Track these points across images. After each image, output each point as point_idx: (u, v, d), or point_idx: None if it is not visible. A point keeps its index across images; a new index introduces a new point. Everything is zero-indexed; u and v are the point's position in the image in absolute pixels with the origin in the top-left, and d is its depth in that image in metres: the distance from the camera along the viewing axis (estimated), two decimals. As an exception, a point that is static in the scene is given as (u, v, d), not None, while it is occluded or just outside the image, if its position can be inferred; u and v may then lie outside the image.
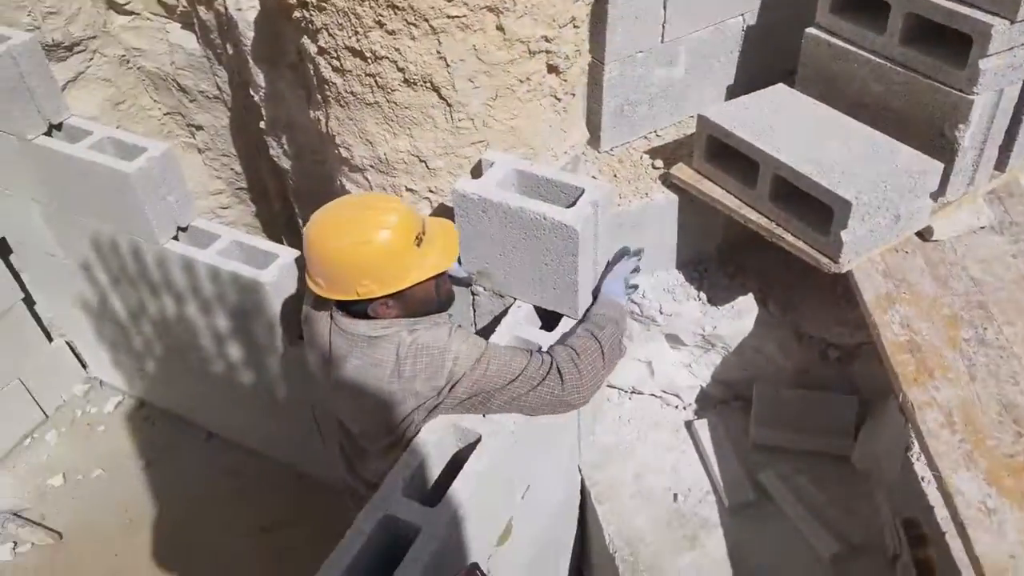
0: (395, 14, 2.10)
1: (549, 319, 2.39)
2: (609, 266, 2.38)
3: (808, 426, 2.82)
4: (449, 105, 2.29)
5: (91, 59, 3.47)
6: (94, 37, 3.43)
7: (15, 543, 3.74)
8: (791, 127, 2.49)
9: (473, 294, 2.51)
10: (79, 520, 3.85)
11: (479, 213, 2.25)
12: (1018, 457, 1.98)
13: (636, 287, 2.39)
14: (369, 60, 2.22)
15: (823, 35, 2.64)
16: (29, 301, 4.01)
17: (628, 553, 2.67)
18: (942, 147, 2.43)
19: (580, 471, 2.90)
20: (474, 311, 2.57)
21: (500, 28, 2.18)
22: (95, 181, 3.02)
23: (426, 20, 2.11)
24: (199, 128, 3.78)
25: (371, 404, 2.00)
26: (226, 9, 2.83)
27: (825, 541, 2.56)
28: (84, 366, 4.34)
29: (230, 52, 3.15)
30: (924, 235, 2.52)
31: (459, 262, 2.43)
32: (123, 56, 3.52)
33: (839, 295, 2.80)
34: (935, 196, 2.45)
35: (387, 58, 2.20)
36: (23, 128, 3.04)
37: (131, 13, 3.44)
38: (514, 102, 2.35)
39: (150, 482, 4.00)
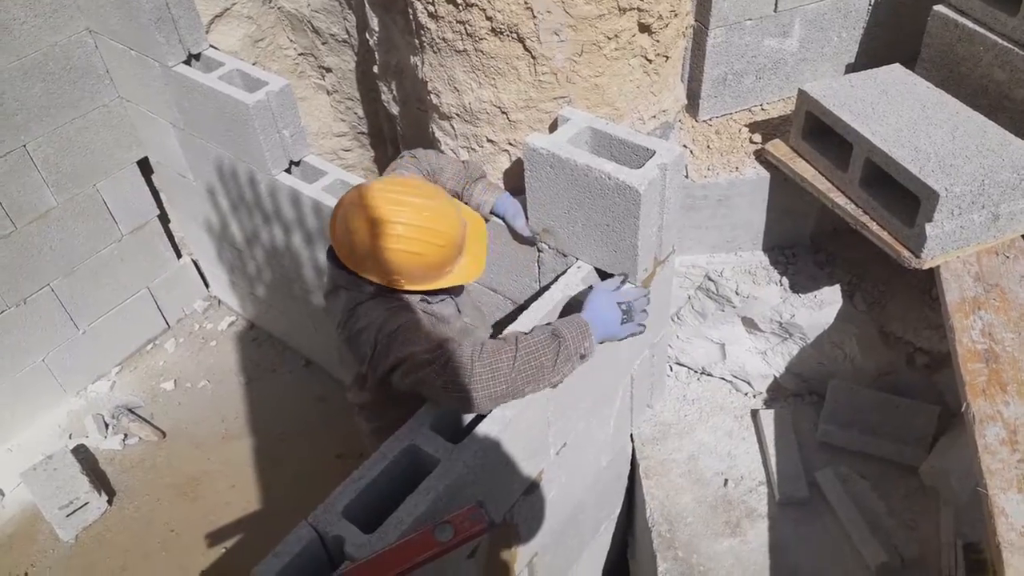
0: (486, -39, 2.14)
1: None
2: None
3: (880, 430, 2.67)
4: (533, 57, 2.31)
5: (237, -3, 3.71)
6: (242, -25, 3.66)
7: (126, 435, 4.15)
8: (896, 110, 2.35)
9: (538, 251, 2.53)
10: (182, 423, 4.22)
11: (547, 169, 2.27)
12: (1083, 487, 1.81)
13: (629, 315, 2.08)
14: (460, 7, 2.27)
15: (951, 13, 2.46)
16: (164, 219, 4.39)
17: (666, 529, 2.65)
18: (1063, 146, 2.21)
19: (632, 442, 2.89)
20: (539, 268, 2.59)
21: (590, -19, 2.17)
22: (221, 109, 3.26)
23: (516, -31, 2.14)
24: (328, 70, 3.97)
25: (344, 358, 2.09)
26: (350, -46, 2.96)
27: (873, 549, 2.43)
28: (206, 285, 4.70)
29: (356, -2, 3.29)
30: (1032, 240, 2.31)
31: (526, 219, 2.46)
32: (266, -6, 3.74)
33: (933, 298, 2.62)
34: (1048, 199, 2.23)
35: (477, 5, 2.24)
36: (165, 55, 3.31)
37: (277, -45, 3.65)
38: (600, 59, 2.33)
39: (248, 398, 4.32)
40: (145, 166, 4.13)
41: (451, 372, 1.84)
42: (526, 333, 1.95)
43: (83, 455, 4.01)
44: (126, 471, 4.04)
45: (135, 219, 4.19)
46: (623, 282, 2.17)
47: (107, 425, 4.19)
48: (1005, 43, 2.31)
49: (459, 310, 2.23)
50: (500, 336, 1.98)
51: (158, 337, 4.59)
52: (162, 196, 4.30)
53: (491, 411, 1.99)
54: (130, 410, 4.25)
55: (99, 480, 3.91)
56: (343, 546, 1.81)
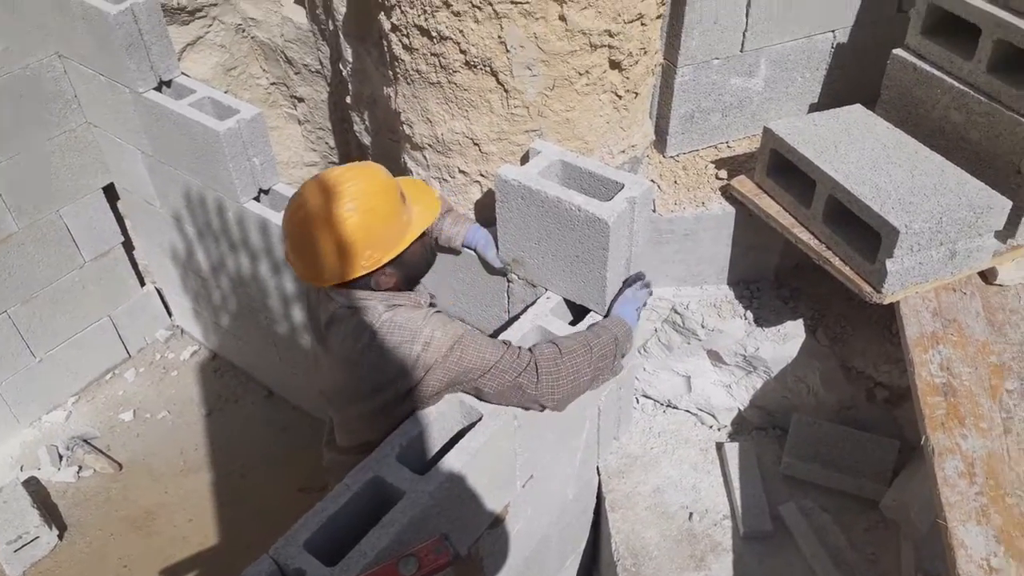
0: (461, -5, 2.18)
1: (579, 313, 2.40)
2: (625, 285, 2.32)
3: (842, 464, 2.70)
4: (506, 91, 2.35)
5: (210, 25, 3.72)
6: (215, 4, 3.68)
7: (80, 467, 4.04)
8: (858, 149, 2.42)
9: (508, 282, 2.55)
10: (140, 454, 4.12)
11: (518, 200, 2.29)
12: (1041, 518, 1.84)
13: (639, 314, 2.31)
14: (435, 39, 2.31)
15: (910, 57, 2.56)
16: (129, 246, 4.33)
17: (631, 563, 2.64)
18: (1017, 185, 2.31)
19: (599, 474, 2.88)
20: (508, 299, 2.60)
21: (562, 18, 2.22)
22: (191, 136, 3.25)
23: (490, 4, 2.18)
24: (301, 100, 3.98)
25: (345, 372, 1.98)
26: (325, -14, 2.99)
27: (838, 584, 2.45)
28: (169, 313, 4.63)
29: (331, 28, 3.32)
30: (987, 277, 2.39)
31: (496, 250, 2.48)
32: (240, 25, 3.76)
33: (894, 333, 2.68)
34: (1003, 237, 2.32)
35: (451, 39, 2.28)
36: (136, 82, 3.30)
37: (252, -17, 3.67)
38: (571, 94, 2.38)
39: (209, 429, 4.24)
40: (111, 192, 4.08)
41: (544, 373, 1.97)
42: (589, 333, 2.12)
43: (34, 487, 3.89)
44: (79, 504, 3.92)
45: (98, 246, 4.13)
46: (640, 286, 2.29)
47: (61, 457, 4.08)
48: (961, 86, 2.41)
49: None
50: (565, 336, 2.12)
51: (118, 366, 4.50)
52: (127, 223, 4.25)
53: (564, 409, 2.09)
54: (86, 441, 4.14)
55: (50, 513, 3.79)
56: (303, 580, 1.77)
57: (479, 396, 2.04)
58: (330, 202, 1.85)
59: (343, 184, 1.88)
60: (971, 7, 2.34)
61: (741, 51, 2.74)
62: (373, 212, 1.87)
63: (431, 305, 2.07)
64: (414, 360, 1.90)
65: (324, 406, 2.32)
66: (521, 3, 2.18)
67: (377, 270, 1.91)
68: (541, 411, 2.06)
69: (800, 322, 2.77)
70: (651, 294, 2.35)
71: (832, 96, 2.93)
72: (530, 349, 2.02)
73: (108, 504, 3.91)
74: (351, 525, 1.92)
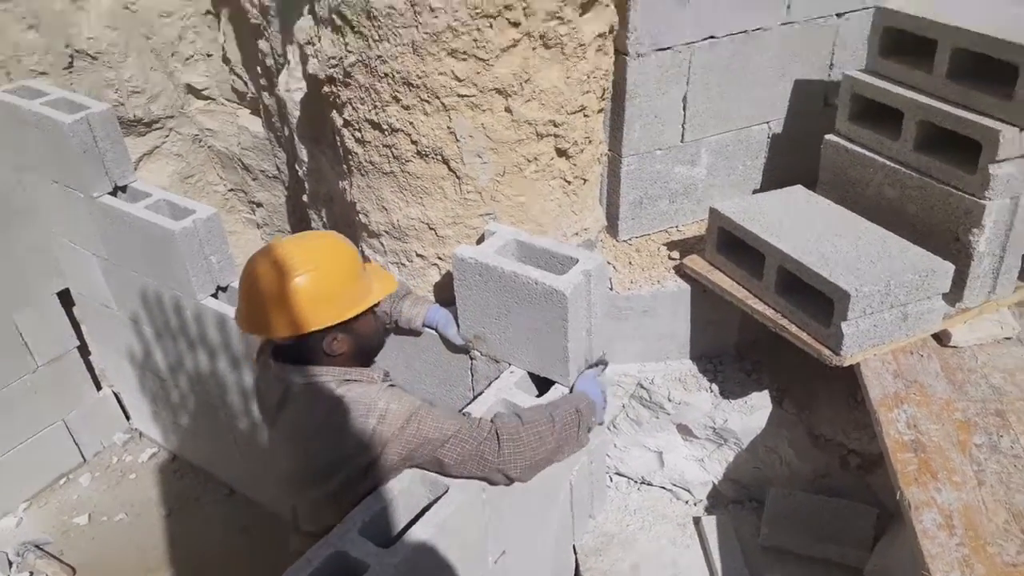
0: (410, 90, 2.24)
1: (544, 387, 2.39)
2: (588, 366, 2.35)
3: (822, 533, 2.67)
4: (458, 178, 2.39)
5: (167, 136, 3.77)
6: (172, 117, 3.74)
7: (31, 573, 3.84)
8: (803, 224, 2.49)
9: (471, 359, 2.54)
10: (95, 559, 3.93)
11: (476, 277, 2.30)
12: (1021, 567, 1.84)
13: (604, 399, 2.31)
14: (386, 132, 2.36)
15: (841, 141, 2.67)
16: (84, 351, 4.24)
17: (614, 648, 2.55)
18: (958, 252, 2.38)
19: (576, 554, 2.81)
20: (472, 376, 2.59)
21: (508, 110, 2.29)
22: (147, 237, 3.23)
23: (438, 97, 2.24)
24: (259, 205, 4.02)
25: (299, 453, 1.95)
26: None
27: (823, 658, 2.39)
28: (127, 417, 4.51)
29: (286, 134, 3.38)
30: (942, 339, 2.43)
31: (457, 327, 2.47)
32: (196, 135, 3.81)
33: (859, 400, 2.70)
34: (951, 300, 2.38)
35: (402, 131, 2.33)
36: (91, 186, 3.30)
37: (208, 98, 3.75)
38: (521, 180, 2.43)
39: (168, 531, 4.07)
40: (66, 296, 4.02)
41: (506, 442, 1.93)
42: (549, 405, 2.10)
43: (-18, 598, 3.70)
44: (28, 612, 3.72)
45: (52, 350, 4.03)
46: (603, 370, 2.28)
47: (11, 564, 3.88)
48: (893, 164, 2.51)
49: None
50: (527, 408, 2.12)
51: (72, 471, 4.33)
52: (83, 327, 4.17)
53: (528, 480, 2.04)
54: (37, 546, 3.95)
55: (0, 624, 3.59)
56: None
57: (441, 470, 1.98)
58: (292, 254, 1.87)
59: (307, 240, 1.97)
60: (893, 95, 2.47)
61: (682, 142, 2.84)
62: (334, 269, 1.89)
63: (386, 379, 2.04)
64: (370, 434, 1.86)
65: (285, 493, 2.24)
66: (468, 96, 2.24)
67: (329, 333, 1.89)
68: (508, 483, 2.01)
69: (766, 393, 2.78)
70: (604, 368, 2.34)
71: (773, 182, 3.03)
72: (491, 420, 1.99)
73: (62, 612, 3.73)
74: None
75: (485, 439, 1.93)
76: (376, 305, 2.03)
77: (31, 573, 3.84)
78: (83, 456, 4.36)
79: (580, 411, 2.11)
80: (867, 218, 2.53)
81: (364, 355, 2.03)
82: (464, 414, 2.03)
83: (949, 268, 2.26)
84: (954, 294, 2.37)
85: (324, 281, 1.87)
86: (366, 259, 2.78)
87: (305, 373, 1.91)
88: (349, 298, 1.92)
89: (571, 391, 2.29)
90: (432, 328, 2.53)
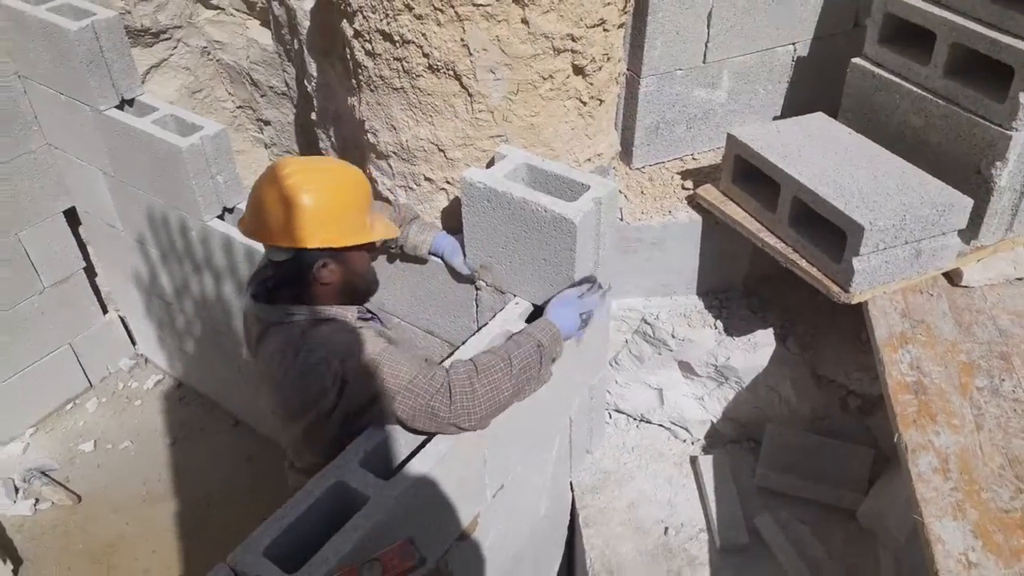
0: (424, -1, 2.18)
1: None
2: (569, 286, 2.24)
3: (818, 475, 2.66)
4: (470, 95, 2.34)
5: (175, 47, 3.71)
6: (180, 27, 3.67)
7: (37, 500, 3.89)
8: (821, 153, 2.43)
9: (476, 289, 2.51)
10: (100, 486, 3.98)
11: (484, 203, 2.27)
12: (1014, 514, 1.81)
13: (586, 322, 2.17)
14: (397, 44, 2.30)
15: (868, 65, 2.59)
16: (91, 272, 4.23)
17: (607, 579, 2.56)
18: (978, 186, 2.32)
19: (572, 490, 2.82)
20: (476, 307, 2.56)
21: (524, 21, 2.22)
22: (153, 154, 3.20)
23: (452, 6, 2.17)
24: (267, 123, 3.97)
25: (274, 390, 1.97)
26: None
27: (816, 594, 2.39)
28: (133, 342, 4.52)
29: (296, 47, 3.31)
30: (953, 279, 2.39)
31: (464, 256, 2.44)
32: (204, 48, 3.75)
33: (863, 341, 2.66)
34: (967, 238, 2.33)
35: (413, 42, 2.27)
36: (97, 99, 3.25)
37: (217, 7, 3.67)
38: (535, 99, 2.37)
39: (173, 460, 4.11)
40: (73, 217, 4.00)
41: (458, 395, 1.87)
42: (510, 344, 1.99)
43: (-11, 520, 3.75)
44: (35, 538, 3.76)
45: (59, 271, 4.03)
46: (589, 289, 2.17)
47: (17, 489, 3.92)
48: (919, 91, 2.44)
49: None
50: (483, 352, 2.01)
51: (79, 396, 4.37)
52: (89, 248, 4.16)
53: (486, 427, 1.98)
54: (43, 473, 3.99)
55: (5, 548, 3.63)
56: (263, 588, 1.68)
57: (401, 424, 1.94)
58: (307, 172, 1.89)
59: (325, 163, 1.99)
60: (927, 14, 2.38)
61: (704, 62, 2.76)
62: (343, 194, 1.91)
63: (362, 318, 2.02)
64: (333, 376, 1.85)
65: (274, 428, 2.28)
66: (483, 5, 2.18)
67: (322, 257, 1.89)
68: (456, 433, 1.95)
69: (770, 331, 2.75)
70: (602, 300, 2.22)
71: (795, 108, 2.95)
72: (447, 369, 1.92)
73: (66, 537, 3.76)
74: (314, 532, 1.84)
75: (437, 392, 1.86)
76: (374, 247, 2.04)
77: (37, 499, 3.90)
78: (89, 381, 4.39)
79: (542, 345, 1.99)
80: (888, 148, 2.46)
81: (351, 293, 2.01)
82: (425, 360, 1.96)
83: (968, 203, 2.21)
84: (970, 231, 2.32)
85: (331, 203, 1.89)
86: (377, 196, 2.74)
87: (281, 312, 1.93)
88: (351, 226, 1.93)
89: (547, 312, 2.17)
90: (438, 256, 2.50)
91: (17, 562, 3.62)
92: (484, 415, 1.92)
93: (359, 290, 2.05)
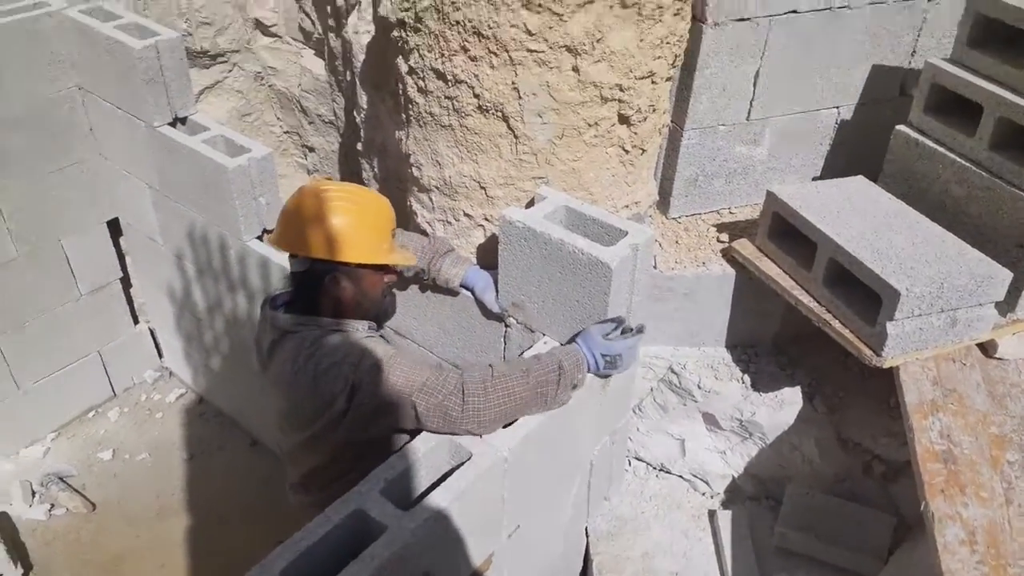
0: (479, 41, 2.24)
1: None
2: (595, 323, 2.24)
3: (837, 538, 2.62)
4: (516, 136, 2.39)
5: (230, 71, 3.82)
6: (237, 51, 3.79)
7: (52, 505, 3.91)
8: (859, 216, 2.45)
9: (505, 326, 2.53)
10: (115, 496, 3.99)
11: (521, 242, 2.30)
12: (1044, 590, 1.78)
13: (613, 363, 2.14)
14: (450, 83, 2.36)
15: (912, 133, 2.62)
16: (127, 283, 4.31)
17: (618, 629, 2.53)
18: (1018, 259, 2.32)
19: (587, 536, 2.79)
20: (504, 344, 2.58)
21: (575, 69, 2.28)
22: (200, 172, 3.28)
23: (506, 50, 2.24)
24: (312, 149, 4.05)
25: (283, 396, 2.03)
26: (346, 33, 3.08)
27: (830, 661, 2.34)
28: (160, 354, 4.57)
29: (348, 79, 3.41)
30: (987, 350, 2.38)
31: (496, 294, 2.47)
32: (259, 73, 3.86)
33: (892, 406, 2.65)
34: (1003, 310, 2.32)
35: (466, 82, 2.33)
36: (152, 116, 3.35)
37: (274, 35, 3.79)
38: (579, 144, 2.42)
39: (189, 475, 4.12)
40: (114, 227, 4.09)
41: (471, 397, 1.91)
42: (531, 359, 2.04)
43: (3, 523, 3.75)
44: (47, 544, 3.76)
45: (97, 279, 4.11)
46: (615, 329, 2.16)
47: (34, 493, 3.95)
48: (963, 162, 2.46)
49: None
50: (502, 361, 2.06)
51: (102, 405, 4.41)
52: (127, 259, 4.24)
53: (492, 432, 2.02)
54: (61, 479, 4.02)
55: (17, 551, 3.64)
56: (275, 613, 1.69)
57: (417, 423, 1.98)
58: (336, 192, 2.02)
59: (354, 187, 2.09)
60: (974, 87, 2.41)
61: (747, 119, 2.80)
62: (366, 217, 2.01)
63: (373, 332, 2.09)
64: (344, 381, 1.90)
65: (277, 439, 2.32)
66: (537, 51, 2.24)
67: (335, 271, 1.98)
68: (464, 435, 2.00)
69: (798, 389, 2.74)
70: (632, 345, 2.16)
71: (835, 171, 2.98)
72: (461, 372, 1.98)
73: (77, 545, 3.77)
74: (329, 559, 1.83)
75: (450, 393, 1.91)
76: (389, 273, 2.11)
77: (52, 505, 3.91)
78: (113, 390, 4.44)
79: (563, 368, 2.02)
80: (928, 217, 2.47)
81: (361, 311, 2.07)
82: (438, 366, 2.04)
83: (1007, 275, 2.21)
84: (1007, 303, 2.31)
85: (353, 221, 1.98)
86: (415, 229, 2.79)
87: (295, 320, 2.01)
88: (369, 247, 2.01)
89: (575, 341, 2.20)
90: (469, 290, 2.53)
91: (27, 567, 3.63)
92: (494, 419, 1.97)
93: (369, 312, 2.10)
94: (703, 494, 2.94)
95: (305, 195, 2.01)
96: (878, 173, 2.79)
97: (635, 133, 2.49)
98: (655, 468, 3.00)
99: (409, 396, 1.92)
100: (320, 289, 2.02)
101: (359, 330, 2.03)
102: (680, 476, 2.97)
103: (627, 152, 2.52)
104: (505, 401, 1.95)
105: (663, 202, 2.91)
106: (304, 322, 2.01)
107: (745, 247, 2.67)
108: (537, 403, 2.02)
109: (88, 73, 3.52)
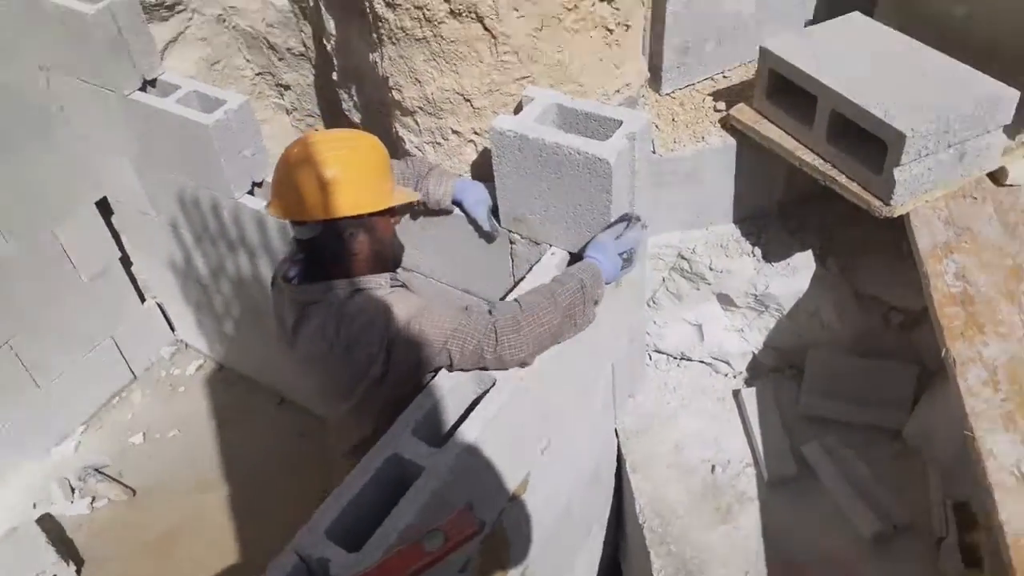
0: (441, -62, 2.16)
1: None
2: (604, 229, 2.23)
3: (862, 397, 2.64)
4: (494, 37, 2.32)
5: (190, 19, 3.67)
6: (193, -5, 3.62)
7: (93, 498, 3.95)
8: (859, 58, 2.34)
9: (511, 243, 2.49)
10: (153, 478, 4.03)
11: (515, 152, 2.22)
12: (1069, 422, 1.79)
13: (629, 260, 2.17)
14: (417, -9, 2.28)
15: (906, -46, 2.50)
16: (126, 262, 4.27)
17: (658, 524, 2.57)
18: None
19: (617, 436, 2.82)
20: (512, 261, 2.55)
21: (546, -51, 2.19)
22: (180, 134, 3.21)
23: (471, -58, 2.15)
24: (287, 88, 3.93)
25: (319, 371, 2.03)
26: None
27: (867, 519, 2.39)
28: (172, 328, 4.57)
29: (311, 4, 3.26)
30: (998, 178, 2.32)
31: (488, 207, 2.43)
32: (220, 15, 3.70)
33: (905, 254, 2.62)
34: (1011, 132, 2.26)
35: (434, -13, 2.25)
36: (120, 83, 3.26)
37: (230, -31, 3.62)
38: (561, 32, 2.35)
39: (222, 444, 4.15)
40: (104, 207, 4.03)
41: (504, 336, 1.92)
42: (554, 283, 2.03)
43: (49, 524, 3.77)
44: (95, 536, 3.81)
45: (96, 264, 4.07)
46: (627, 227, 2.15)
47: (73, 489, 3.98)
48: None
49: None
50: (528, 291, 2.05)
51: (124, 389, 4.42)
52: (123, 237, 4.19)
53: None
54: (97, 470, 4.04)
55: (67, 549, 3.68)
56: (328, 569, 1.71)
57: (454, 369, 2.00)
58: (326, 146, 1.94)
59: (342, 134, 2.03)
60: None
61: (730, -30, 2.67)
62: (365, 163, 1.96)
63: (394, 283, 2.05)
64: (379, 344, 1.90)
65: (320, 409, 2.33)
66: (501, -62, 2.16)
67: (349, 228, 1.94)
68: (503, 370, 2.02)
69: (809, 253, 2.72)
70: (642, 230, 2.18)
71: (828, 12, 2.81)
72: (490, 311, 1.97)
73: (125, 532, 3.80)
74: (372, 508, 1.85)
75: (484, 336, 1.93)
76: (395, 213, 2.08)
77: (94, 497, 3.95)
78: (133, 372, 4.44)
79: (584, 285, 2.03)
80: (930, 44, 2.36)
81: (381, 261, 2.05)
82: (466, 308, 2.01)
83: (1014, 95, 2.13)
84: (1015, 125, 2.23)
85: (352, 171, 1.93)
86: (404, 155, 2.74)
87: (317, 290, 1.97)
88: (373, 194, 1.97)
89: (579, 255, 2.20)
90: (459, 206, 2.48)
91: (80, 562, 3.67)
92: (531, 353, 1.99)
93: (388, 257, 2.08)
94: (726, 375, 2.96)
95: (293, 157, 1.93)
96: (873, 6, 2.68)
97: (617, 9, 2.41)
98: (675, 358, 3.01)
99: (444, 344, 1.93)
100: (337, 250, 1.97)
101: (382, 285, 2.00)
102: (701, 361, 2.98)
103: (611, 31, 2.45)
104: (538, 334, 1.96)
105: (654, 78, 2.82)
106: (325, 289, 1.96)
107: (743, 113, 2.59)
108: (568, 328, 2.03)
109: (45, 49, 3.40)
